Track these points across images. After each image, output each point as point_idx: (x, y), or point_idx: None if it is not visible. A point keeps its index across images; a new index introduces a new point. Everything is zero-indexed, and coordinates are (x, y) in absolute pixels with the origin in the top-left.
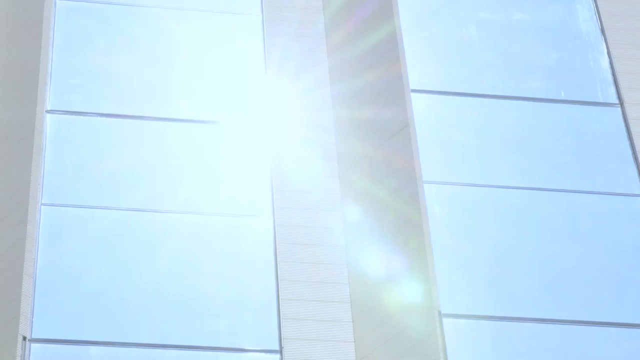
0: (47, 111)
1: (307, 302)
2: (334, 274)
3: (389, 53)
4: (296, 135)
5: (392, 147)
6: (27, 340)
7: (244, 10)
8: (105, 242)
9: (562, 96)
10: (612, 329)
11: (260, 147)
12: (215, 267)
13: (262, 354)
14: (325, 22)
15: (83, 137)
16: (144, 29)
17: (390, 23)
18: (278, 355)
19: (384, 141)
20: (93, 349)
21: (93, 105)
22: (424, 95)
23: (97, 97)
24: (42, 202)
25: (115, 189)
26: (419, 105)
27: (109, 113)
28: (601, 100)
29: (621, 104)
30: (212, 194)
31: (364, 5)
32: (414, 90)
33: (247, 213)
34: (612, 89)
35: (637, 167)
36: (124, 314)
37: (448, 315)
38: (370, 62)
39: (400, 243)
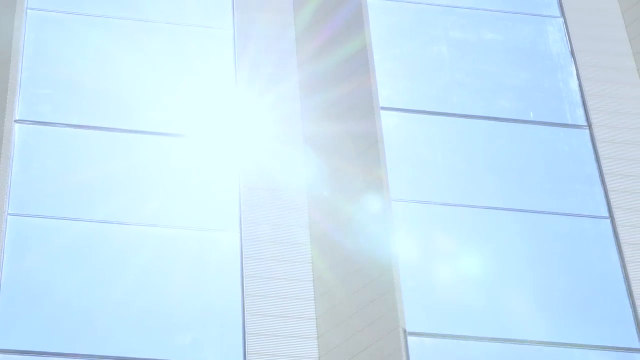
0: (16, 121)
1: (272, 317)
2: (300, 290)
3: (360, 70)
4: (265, 150)
5: (361, 164)
6: None
7: (215, 24)
8: (72, 254)
9: (531, 117)
10: (577, 351)
11: (229, 161)
12: (182, 281)
13: None
14: (296, 36)
15: (51, 148)
16: (115, 41)
17: (361, 40)
18: None
19: (353, 157)
20: None
21: (62, 116)
22: (394, 113)
23: (67, 108)
24: (9, 212)
25: (83, 200)
26: (389, 122)
27: (78, 124)
28: (570, 122)
29: (589, 126)
30: (180, 208)
31: (334, 21)
32: (383, 108)
33: (214, 227)
34: (581, 111)
35: (604, 190)
36: (90, 326)
37: (413, 334)
38: (341, 78)
39: (368, 260)
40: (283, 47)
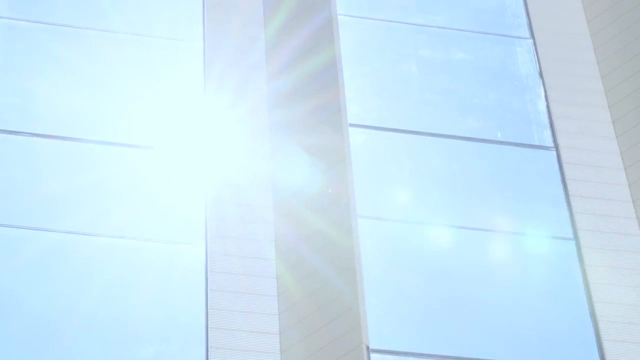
0: None
1: (236, 332)
2: (265, 304)
3: (329, 85)
4: (233, 163)
5: (328, 180)
6: None
7: (185, 36)
8: (38, 264)
9: (499, 137)
10: None
11: (196, 174)
12: (147, 293)
13: None
14: (265, 50)
15: (18, 157)
16: (83, 52)
17: (331, 55)
18: None
19: (320, 173)
20: None
21: (29, 125)
22: (362, 129)
23: (34, 117)
24: None
25: (49, 210)
26: (357, 139)
27: (44, 134)
28: (537, 143)
29: (556, 147)
30: (147, 220)
31: (304, 35)
32: (351, 125)
33: (180, 240)
34: (548, 132)
35: (570, 211)
36: (54, 338)
37: (376, 351)
38: (310, 93)
39: (332, 276)
40: (252, 61)
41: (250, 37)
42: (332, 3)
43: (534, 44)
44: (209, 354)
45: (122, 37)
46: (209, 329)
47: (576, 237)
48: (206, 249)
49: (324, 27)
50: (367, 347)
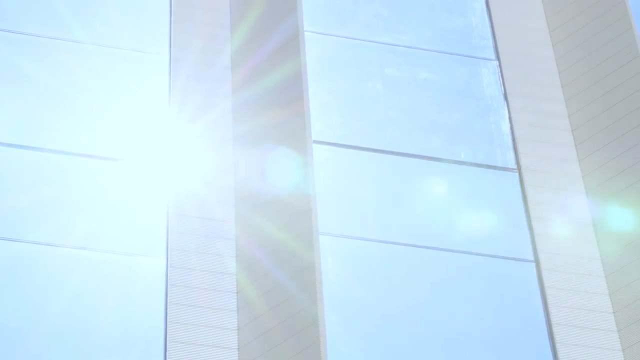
0: None
1: (195, 346)
2: (224, 319)
3: (293, 102)
4: (196, 176)
5: (291, 196)
6: None
7: (151, 49)
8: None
9: (462, 157)
10: None
11: (159, 187)
12: (108, 305)
13: None
14: (231, 64)
15: None
16: (47, 62)
17: (296, 72)
18: None
19: (283, 189)
20: None
21: None
22: (326, 146)
23: None
24: None
25: (12, 221)
26: (321, 156)
27: (7, 142)
28: (500, 165)
29: (519, 169)
30: (109, 231)
31: (270, 51)
32: (315, 141)
33: (141, 252)
34: (511, 154)
35: (531, 233)
36: (16, 348)
37: None
38: (274, 109)
39: (294, 292)
40: (217, 74)
41: (215, 51)
42: (299, 19)
43: (499, 65)
44: None
45: (86, 47)
46: (167, 343)
47: (536, 260)
48: (167, 262)
49: (290, 43)
50: None
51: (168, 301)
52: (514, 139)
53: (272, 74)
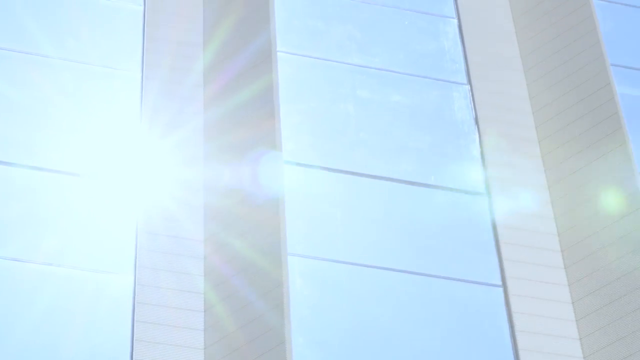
0: None
1: None
2: (192, 338)
3: (265, 122)
4: (166, 194)
5: (261, 215)
6: None
7: (123, 66)
8: None
9: (432, 181)
10: None
11: (128, 204)
12: (76, 322)
13: None
14: (203, 81)
15: None
16: (16, 77)
17: (269, 92)
18: None
19: (253, 208)
20: None
21: None
22: (297, 167)
23: None
24: None
25: None
26: (291, 177)
27: None
28: (470, 189)
29: (489, 193)
30: (77, 248)
31: (242, 70)
32: (286, 162)
33: (109, 269)
34: (482, 179)
35: (499, 258)
36: None
37: None
38: (246, 127)
39: (262, 311)
40: (188, 92)
41: (187, 69)
42: (272, 39)
43: (471, 90)
44: None
45: (56, 63)
46: None
47: (504, 284)
48: (135, 279)
49: (262, 62)
50: None
51: (135, 319)
52: (484, 164)
53: (244, 92)
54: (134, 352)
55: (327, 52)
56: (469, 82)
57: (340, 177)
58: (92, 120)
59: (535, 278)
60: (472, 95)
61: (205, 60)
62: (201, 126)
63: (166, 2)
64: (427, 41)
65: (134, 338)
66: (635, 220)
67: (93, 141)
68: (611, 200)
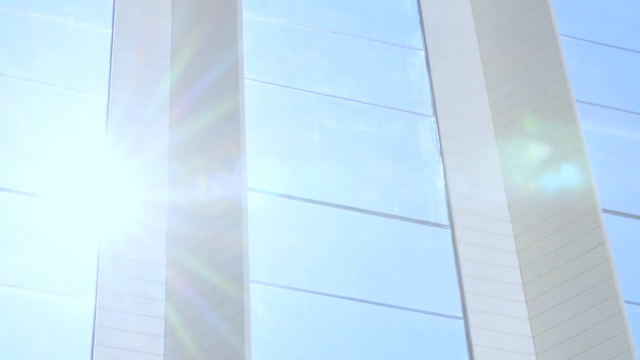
0: None
1: None
2: None
3: (230, 149)
4: (129, 217)
5: (223, 242)
6: None
7: (89, 88)
8: None
9: (396, 212)
10: None
11: (91, 226)
12: (37, 344)
13: None
14: (170, 106)
15: None
16: None
17: (235, 118)
18: None
19: (216, 234)
20: None
21: None
22: (261, 194)
23: None
24: None
25: None
26: (255, 203)
27: None
28: (433, 220)
29: (452, 226)
30: (39, 269)
31: (208, 96)
32: (251, 189)
33: (70, 292)
34: (445, 210)
35: (461, 290)
36: None
37: None
38: (211, 154)
39: (222, 337)
40: (153, 116)
41: (153, 93)
42: (240, 66)
43: (437, 122)
44: None
45: (19, 83)
46: None
47: (465, 317)
48: (96, 302)
49: (229, 89)
50: None
51: (95, 342)
52: (447, 196)
53: (209, 117)
54: None
55: (295, 80)
56: (435, 114)
57: (303, 205)
58: (57, 142)
59: (497, 311)
60: (438, 127)
61: (171, 84)
62: (166, 150)
63: (133, 26)
64: (395, 72)
65: None
66: (597, 256)
67: (57, 163)
68: (573, 235)
